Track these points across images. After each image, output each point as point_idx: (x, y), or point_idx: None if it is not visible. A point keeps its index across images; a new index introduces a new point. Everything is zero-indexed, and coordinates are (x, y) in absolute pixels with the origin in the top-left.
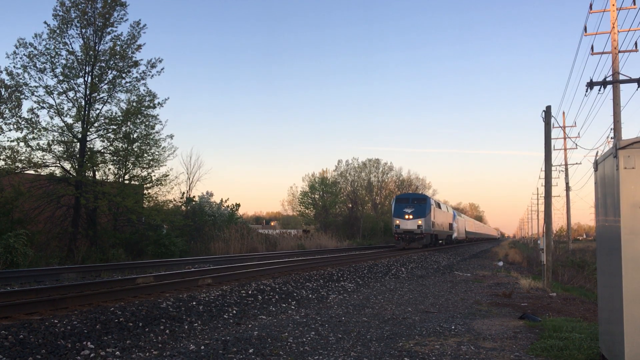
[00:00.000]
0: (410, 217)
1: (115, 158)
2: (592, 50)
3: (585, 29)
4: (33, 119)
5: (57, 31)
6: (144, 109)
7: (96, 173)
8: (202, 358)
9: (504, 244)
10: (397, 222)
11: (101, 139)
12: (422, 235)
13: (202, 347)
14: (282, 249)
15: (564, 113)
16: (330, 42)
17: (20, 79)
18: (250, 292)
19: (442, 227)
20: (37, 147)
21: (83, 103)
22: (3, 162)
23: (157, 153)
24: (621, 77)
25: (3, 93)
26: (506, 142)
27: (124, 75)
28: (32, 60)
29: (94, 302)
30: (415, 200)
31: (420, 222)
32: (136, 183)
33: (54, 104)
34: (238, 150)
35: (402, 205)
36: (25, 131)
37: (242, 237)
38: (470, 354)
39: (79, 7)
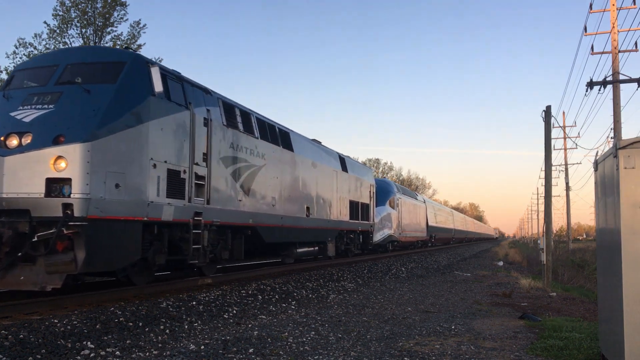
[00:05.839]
0: (28, 139)
1: None
2: (592, 50)
3: (585, 29)
4: None
5: (57, 31)
6: None
7: None
8: (202, 358)
9: (504, 244)
10: None
11: None
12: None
13: (202, 347)
14: None
15: (564, 113)
16: (330, 42)
17: None
18: (250, 292)
19: (310, 205)
20: None
21: None
22: None
23: None
24: (621, 77)
25: None
26: (506, 142)
27: None
28: None
29: (94, 302)
30: (84, 65)
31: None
32: None
33: None
34: None
35: (12, 104)
36: None
37: None
38: (470, 353)
39: (79, 7)
